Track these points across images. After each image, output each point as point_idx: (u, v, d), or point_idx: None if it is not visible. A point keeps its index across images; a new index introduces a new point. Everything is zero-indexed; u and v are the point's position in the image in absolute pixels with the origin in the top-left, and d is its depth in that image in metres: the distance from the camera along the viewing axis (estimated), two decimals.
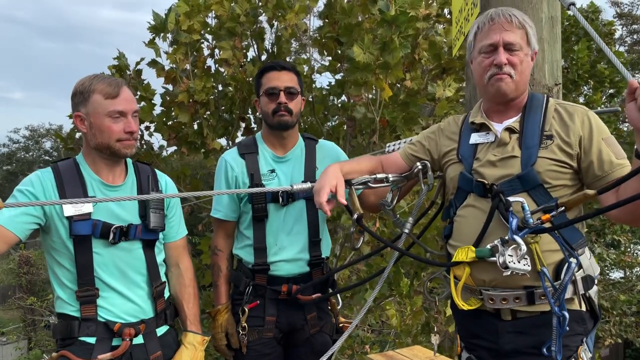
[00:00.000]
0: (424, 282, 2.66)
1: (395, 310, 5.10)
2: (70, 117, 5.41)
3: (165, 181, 2.46)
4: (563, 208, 1.82)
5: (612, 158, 1.89)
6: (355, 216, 2.21)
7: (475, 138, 2.10)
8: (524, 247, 1.79)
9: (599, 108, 8.02)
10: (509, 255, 1.80)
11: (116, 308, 2.21)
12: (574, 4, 2.09)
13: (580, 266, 1.91)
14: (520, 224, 1.83)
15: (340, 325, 2.74)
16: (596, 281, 2.02)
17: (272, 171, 2.61)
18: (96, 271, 2.18)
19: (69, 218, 2.14)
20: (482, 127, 2.11)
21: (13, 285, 20.09)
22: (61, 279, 2.20)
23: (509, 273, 1.82)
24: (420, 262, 4.25)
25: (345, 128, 5.45)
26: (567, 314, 1.80)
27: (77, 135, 5.90)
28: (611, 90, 8.28)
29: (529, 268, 1.82)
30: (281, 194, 2.51)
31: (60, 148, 21.76)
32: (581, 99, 8.53)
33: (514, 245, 1.81)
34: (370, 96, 4.90)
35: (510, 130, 2.02)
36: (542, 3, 2.40)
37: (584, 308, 1.94)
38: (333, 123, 5.96)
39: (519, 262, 1.80)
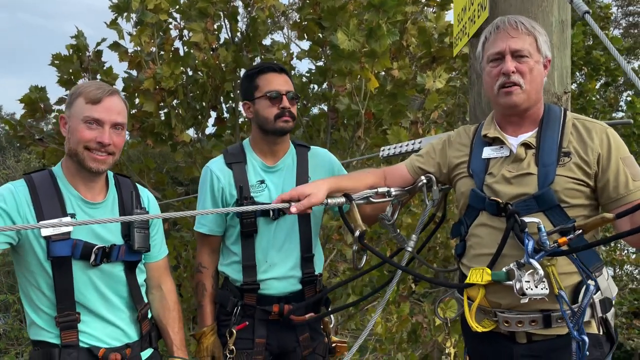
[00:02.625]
0: (434, 306, 2.74)
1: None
2: (21, 101, 5.38)
3: (147, 197, 2.47)
4: (580, 231, 1.91)
5: (628, 180, 1.98)
6: (357, 233, 2.26)
7: (488, 152, 2.18)
8: (541, 272, 1.87)
9: (594, 97, 8.22)
10: (525, 281, 1.89)
11: (99, 332, 2.23)
12: (589, 12, 2.16)
13: (598, 288, 2.01)
14: (536, 246, 1.91)
15: (333, 345, 2.80)
16: (614, 302, 2.12)
17: (262, 182, 2.63)
18: (76, 295, 2.19)
19: (47, 238, 2.13)
20: (496, 141, 2.17)
21: None
22: (37, 304, 2.20)
23: (526, 300, 1.91)
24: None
25: (326, 120, 5.49)
26: (586, 339, 1.90)
27: (28, 122, 5.82)
28: (607, 79, 8.50)
29: (547, 292, 1.91)
30: None
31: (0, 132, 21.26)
32: (574, 87, 8.73)
33: (531, 270, 1.89)
34: (355, 83, 4.92)
35: (526, 145, 2.09)
36: (553, 6, 2.46)
37: (601, 331, 2.04)
38: (313, 112, 5.98)
39: (536, 287, 1.89)
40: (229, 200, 2.61)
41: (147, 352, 2.39)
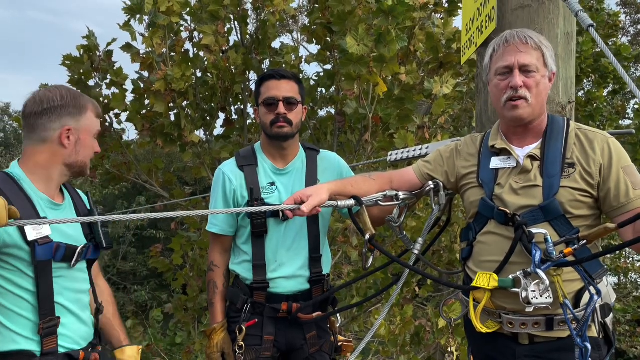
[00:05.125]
0: (439, 306, 2.84)
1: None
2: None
3: (84, 197, 2.50)
4: (585, 241, 2.01)
5: (629, 188, 2.07)
6: (368, 236, 2.37)
7: (496, 162, 2.28)
8: (547, 282, 1.98)
9: (601, 105, 8.30)
10: (531, 290, 2.00)
11: (74, 333, 2.25)
12: (593, 25, 2.26)
13: (598, 294, 2.09)
14: (543, 257, 2.01)
15: (340, 344, 2.90)
16: (613, 307, 2.23)
17: (272, 184, 2.74)
18: (56, 297, 2.18)
19: (31, 242, 2.10)
20: (503, 152, 2.28)
21: None
22: (15, 311, 2.13)
23: (531, 309, 2.02)
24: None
25: (333, 123, 5.59)
26: (589, 346, 2.00)
27: None
28: (615, 86, 8.57)
29: (551, 300, 2.02)
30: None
31: (7, 128, 21.46)
32: (581, 94, 8.81)
33: (537, 280, 2.00)
34: (363, 87, 5.01)
35: (531, 157, 2.19)
36: (559, 18, 2.56)
37: (600, 335, 2.14)
38: (321, 115, 6.08)
39: (541, 296, 2.00)
40: (241, 201, 2.71)
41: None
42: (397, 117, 5.17)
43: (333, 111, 5.78)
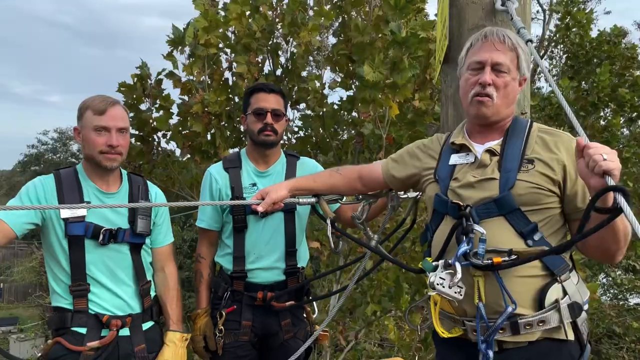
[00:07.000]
0: (406, 310, 2.86)
1: (393, 325, 5.24)
2: None
3: (155, 192, 2.74)
4: (516, 257, 1.87)
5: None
6: (329, 220, 2.45)
7: (454, 159, 2.15)
8: (459, 275, 1.85)
9: (618, 131, 8.06)
10: (440, 277, 1.88)
11: (106, 302, 2.49)
12: (531, 41, 2.26)
13: (565, 293, 1.92)
14: (470, 253, 1.89)
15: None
16: (586, 307, 1.99)
17: (254, 185, 2.84)
18: (88, 268, 2.47)
19: (65, 220, 2.43)
20: (463, 148, 2.15)
21: (34, 283, 20.84)
22: (57, 274, 2.49)
23: (433, 294, 1.92)
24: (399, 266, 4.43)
25: (354, 143, 5.65)
26: (491, 354, 1.86)
27: None
28: (631, 115, 8.29)
29: (460, 297, 1.88)
30: None
31: None
32: (601, 122, 8.56)
33: (451, 270, 1.88)
34: (379, 111, 5.08)
35: (490, 152, 2.06)
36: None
37: (571, 337, 1.93)
38: (344, 137, 6.15)
39: (450, 287, 1.87)
40: (225, 199, 2.82)
41: (147, 324, 2.62)
42: (409, 138, 5.19)
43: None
